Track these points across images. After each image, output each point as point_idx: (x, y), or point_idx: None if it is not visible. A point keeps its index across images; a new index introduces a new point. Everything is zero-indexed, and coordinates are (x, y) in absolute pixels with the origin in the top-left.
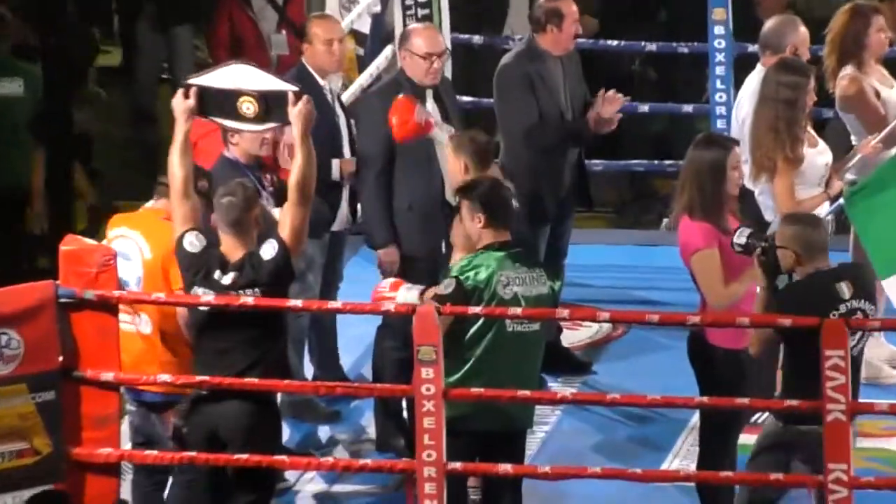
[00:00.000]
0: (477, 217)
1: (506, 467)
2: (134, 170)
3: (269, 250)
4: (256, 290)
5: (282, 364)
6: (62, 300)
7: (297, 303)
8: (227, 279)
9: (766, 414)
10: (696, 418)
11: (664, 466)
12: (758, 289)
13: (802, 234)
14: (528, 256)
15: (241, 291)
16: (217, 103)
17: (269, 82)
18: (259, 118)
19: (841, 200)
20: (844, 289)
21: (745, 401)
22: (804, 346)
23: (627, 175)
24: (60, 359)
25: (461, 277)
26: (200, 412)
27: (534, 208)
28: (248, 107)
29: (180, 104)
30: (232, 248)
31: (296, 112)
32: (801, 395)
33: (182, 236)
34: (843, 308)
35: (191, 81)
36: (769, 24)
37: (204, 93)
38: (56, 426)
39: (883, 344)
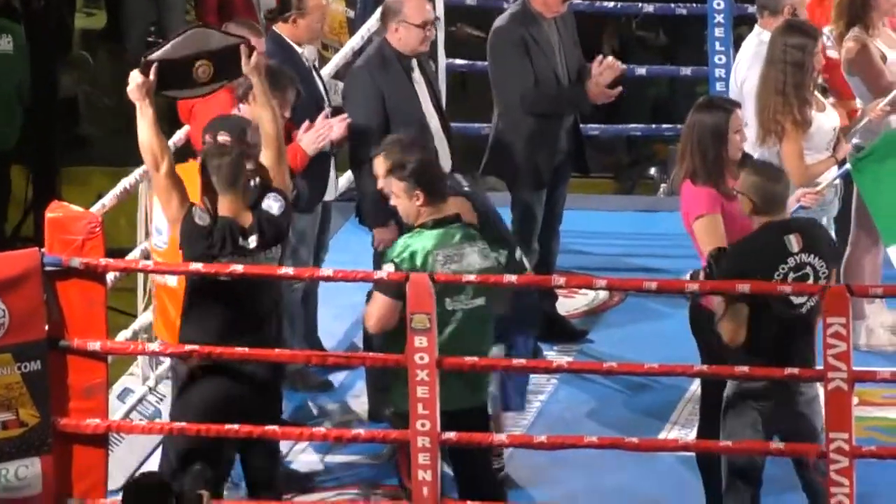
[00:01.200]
0: (415, 195)
1: (501, 437)
2: (121, 136)
3: (275, 205)
4: (279, 246)
5: (281, 332)
6: (48, 268)
7: (287, 271)
8: (252, 242)
9: None
10: (695, 387)
11: (662, 436)
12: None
13: (762, 184)
14: (469, 230)
15: (267, 252)
16: (175, 75)
17: (221, 40)
18: (213, 79)
19: (847, 165)
20: (793, 241)
21: (745, 369)
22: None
23: (625, 140)
24: (46, 328)
25: (397, 261)
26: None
27: (530, 174)
28: (203, 70)
29: (139, 83)
30: (237, 210)
31: (251, 65)
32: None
33: (190, 211)
34: (791, 262)
35: (150, 58)
36: None
37: (162, 67)
38: (43, 397)
39: (885, 310)
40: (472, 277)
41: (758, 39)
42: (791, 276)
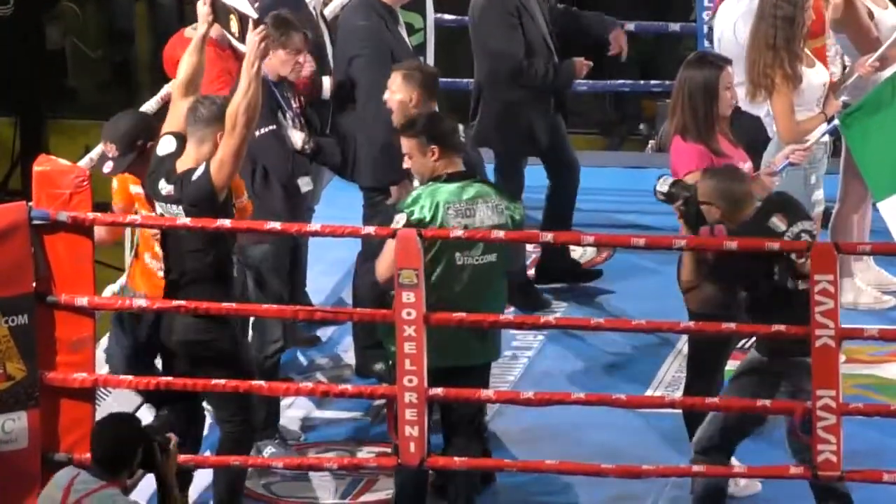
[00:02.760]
0: (430, 150)
1: (488, 394)
2: (109, 89)
3: (198, 171)
4: (180, 207)
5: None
6: (35, 222)
7: (275, 225)
8: (165, 190)
9: (753, 339)
10: (682, 344)
11: (649, 393)
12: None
13: (722, 187)
14: (484, 185)
15: (171, 206)
16: (221, 14)
17: (243, 4)
18: (240, 39)
19: (835, 121)
20: (777, 222)
21: (732, 325)
22: (765, 286)
23: (612, 95)
24: (34, 282)
25: (407, 212)
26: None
27: (527, 142)
28: (234, 25)
29: (257, 44)
30: (185, 158)
31: (249, 39)
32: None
33: (162, 136)
34: (786, 239)
35: (254, 18)
36: None
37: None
38: (30, 351)
39: (872, 268)
40: (459, 232)
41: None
42: (792, 252)
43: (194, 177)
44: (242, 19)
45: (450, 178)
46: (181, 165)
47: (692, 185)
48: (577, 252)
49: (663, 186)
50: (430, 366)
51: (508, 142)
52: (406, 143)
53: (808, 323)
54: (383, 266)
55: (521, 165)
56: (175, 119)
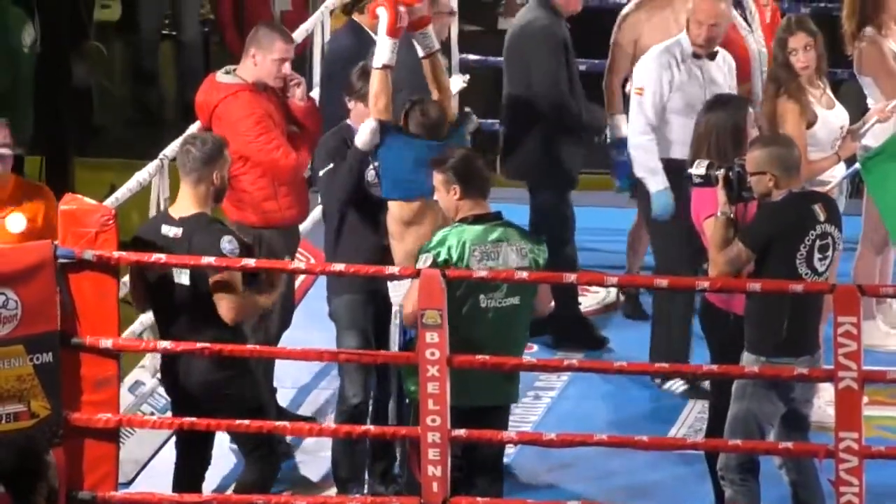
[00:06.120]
0: (452, 189)
1: (511, 435)
2: (134, 127)
3: (224, 247)
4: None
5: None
6: (61, 260)
7: (299, 265)
8: (171, 233)
9: None
10: (704, 386)
11: (672, 434)
12: (718, 213)
13: (779, 154)
14: (509, 228)
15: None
16: None
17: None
18: None
19: (856, 164)
20: (819, 211)
21: (755, 369)
22: (775, 263)
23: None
24: (59, 321)
25: (434, 253)
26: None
27: (563, 175)
28: None
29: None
30: (183, 201)
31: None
32: (769, 319)
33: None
34: (819, 229)
35: None
36: None
37: None
38: (55, 389)
39: (893, 310)
40: (483, 273)
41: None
42: (818, 242)
43: (213, 250)
44: None
45: (476, 220)
46: (178, 211)
47: (739, 160)
48: (601, 293)
49: (699, 169)
50: (451, 405)
51: (549, 178)
52: (435, 177)
53: (808, 316)
54: (409, 304)
55: (561, 202)
56: None
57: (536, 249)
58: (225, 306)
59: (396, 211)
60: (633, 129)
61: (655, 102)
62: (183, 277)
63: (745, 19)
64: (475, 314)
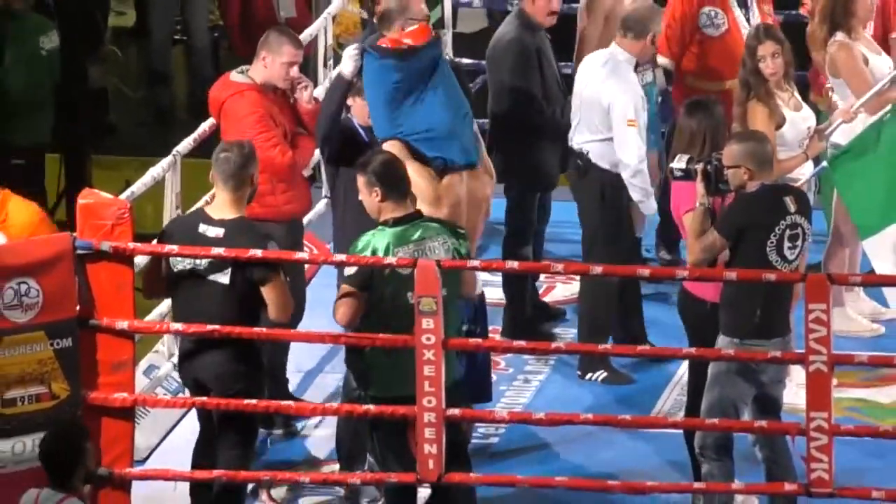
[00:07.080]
0: (374, 191)
1: (503, 414)
2: (148, 127)
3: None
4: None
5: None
6: (79, 251)
7: (303, 255)
8: (212, 232)
9: None
10: (682, 371)
11: (654, 413)
12: (696, 204)
13: (754, 149)
14: (430, 224)
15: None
16: None
17: None
18: None
19: (824, 163)
20: (790, 203)
21: (731, 352)
22: (747, 250)
23: None
24: (77, 307)
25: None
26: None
27: (540, 176)
28: None
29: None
30: (220, 205)
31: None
32: (743, 304)
33: None
34: (789, 220)
35: None
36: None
37: None
38: (74, 372)
39: (864, 299)
40: (476, 263)
41: (610, 56)
42: (788, 232)
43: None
44: None
45: (396, 223)
46: (218, 213)
47: (717, 154)
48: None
49: (680, 163)
50: (390, 394)
51: (521, 178)
52: (358, 179)
53: (779, 301)
54: (339, 311)
55: (532, 202)
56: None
57: (458, 242)
58: (279, 307)
59: (424, 190)
60: (631, 157)
61: (641, 127)
62: (221, 277)
63: (748, 21)
64: (402, 311)
